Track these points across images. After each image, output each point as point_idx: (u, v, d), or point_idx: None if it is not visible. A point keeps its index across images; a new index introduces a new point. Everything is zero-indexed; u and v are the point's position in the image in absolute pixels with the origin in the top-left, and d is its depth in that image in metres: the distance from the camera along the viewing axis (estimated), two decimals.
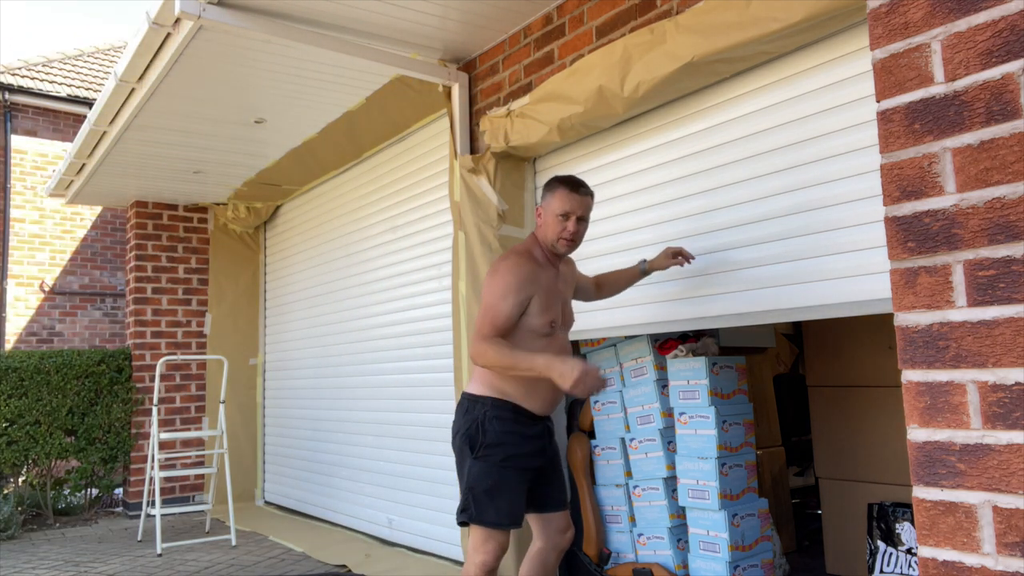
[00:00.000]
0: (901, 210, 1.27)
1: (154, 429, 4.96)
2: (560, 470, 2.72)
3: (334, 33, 3.51)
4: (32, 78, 8.68)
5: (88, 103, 8.57)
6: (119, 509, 6.39)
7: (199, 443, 6.24)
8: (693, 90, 2.91)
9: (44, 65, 9.17)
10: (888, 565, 3.02)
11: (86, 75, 9.35)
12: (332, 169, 5.50)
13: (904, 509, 3.03)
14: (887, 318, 3.09)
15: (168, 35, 3.46)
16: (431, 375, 4.38)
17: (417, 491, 4.48)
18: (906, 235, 1.26)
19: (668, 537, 3.22)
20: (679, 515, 3.24)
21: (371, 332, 5.03)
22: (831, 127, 2.47)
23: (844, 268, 2.41)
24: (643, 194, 3.16)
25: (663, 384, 3.32)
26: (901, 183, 1.27)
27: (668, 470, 3.26)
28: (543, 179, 3.65)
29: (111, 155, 5.04)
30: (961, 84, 1.21)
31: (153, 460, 4.89)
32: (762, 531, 3.15)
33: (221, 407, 5.27)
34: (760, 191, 2.69)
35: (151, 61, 3.72)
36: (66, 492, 6.06)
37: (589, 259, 3.35)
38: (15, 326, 8.37)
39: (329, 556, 4.46)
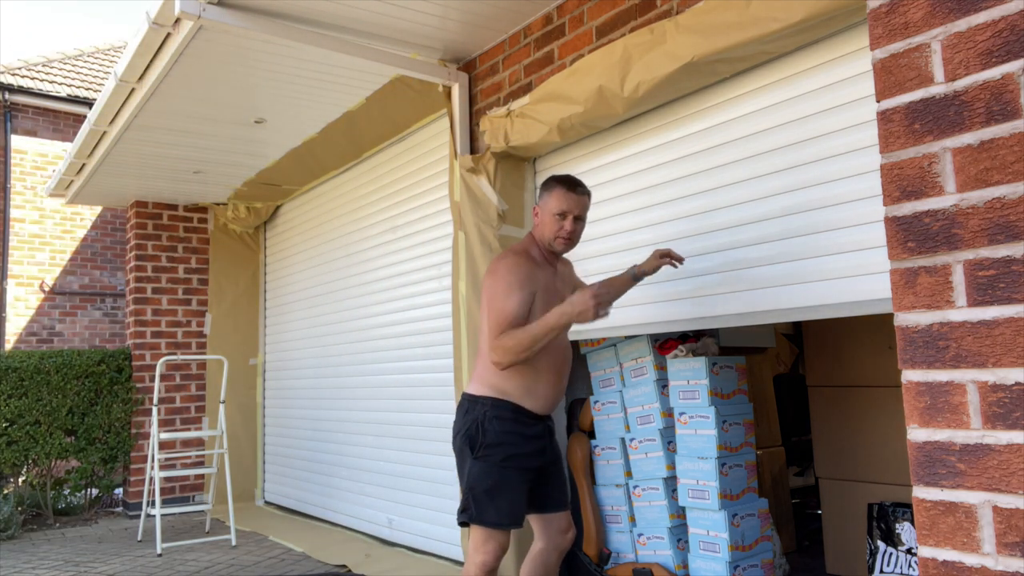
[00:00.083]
0: (901, 210, 1.27)
1: (154, 429, 4.97)
2: (561, 470, 2.72)
3: (334, 33, 3.51)
4: (32, 78, 8.68)
5: (88, 103, 8.57)
6: (119, 509, 6.39)
7: (199, 443, 6.24)
8: (693, 90, 2.91)
9: (44, 65, 9.18)
10: (888, 565, 3.02)
11: (86, 75, 9.35)
12: (332, 169, 5.50)
13: (904, 509, 3.03)
14: (887, 318, 3.09)
15: (168, 35, 3.46)
16: (431, 375, 4.38)
17: (417, 491, 4.48)
18: (906, 235, 1.26)
19: (668, 537, 3.22)
20: (679, 515, 3.24)
21: (371, 332, 5.03)
22: (831, 127, 2.47)
23: (844, 268, 2.41)
24: (643, 194, 3.16)
25: (663, 384, 3.32)
26: (901, 183, 1.27)
27: (668, 470, 3.26)
28: (543, 179, 3.64)
29: (111, 155, 5.04)
30: (961, 84, 1.21)
31: (153, 460, 4.89)
32: (762, 531, 3.15)
33: (221, 407, 5.27)
34: (760, 191, 2.69)
35: (151, 61, 3.72)
36: (66, 492, 6.06)
37: (589, 259, 3.35)
38: (15, 326, 8.37)
39: (329, 556, 4.46)
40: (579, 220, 2.55)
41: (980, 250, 1.17)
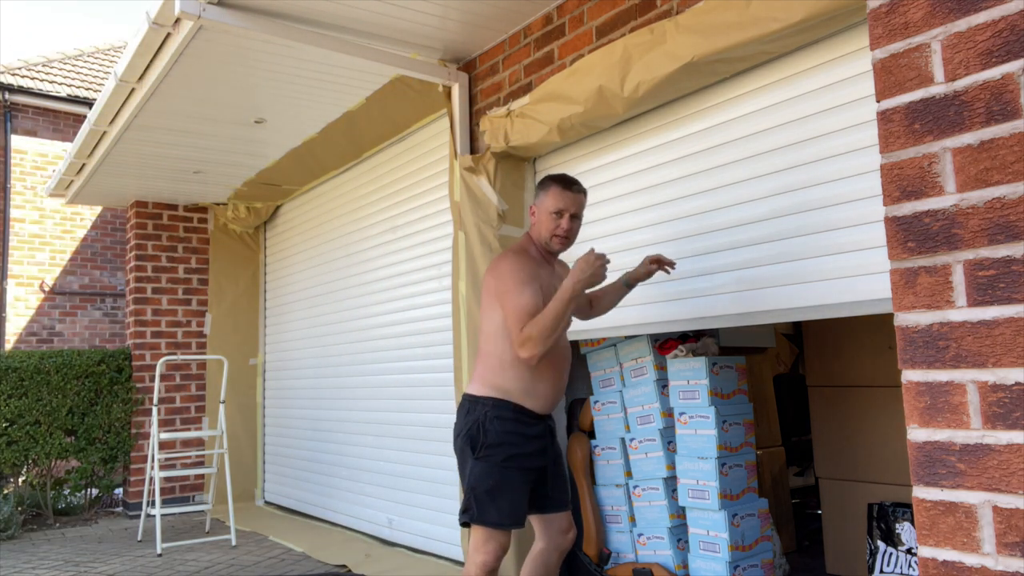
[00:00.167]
0: (901, 210, 1.27)
1: (154, 429, 4.97)
2: (562, 470, 2.71)
3: (334, 33, 3.51)
4: (32, 78, 8.68)
5: (88, 103, 8.57)
6: (119, 509, 6.39)
7: (199, 443, 6.24)
8: (693, 90, 2.91)
9: (44, 65, 9.18)
10: (888, 565, 3.02)
11: (86, 75, 9.35)
12: (332, 169, 5.50)
13: (904, 509, 3.03)
14: (887, 318, 3.09)
15: (168, 35, 3.46)
16: (431, 375, 4.38)
17: (417, 491, 4.48)
18: (906, 235, 1.26)
19: (668, 537, 3.22)
20: (679, 515, 3.24)
21: (371, 332, 5.03)
22: (831, 127, 2.47)
23: (844, 268, 2.41)
24: (643, 194, 3.16)
25: (663, 384, 3.32)
26: (901, 183, 1.27)
27: (668, 470, 3.26)
28: None
29: (111, 155, 5.04)
30: (961, 84, 1.21)
31: (153, 460, 4.89)
32: (762, 531, 3.15)
33: (221, 407, 5.27)
34: (760, 191, 2.69)
35: (151, 61, 3.72)
36: (66, 492, 6.06)
37: None
38: (15, 326, 8.37)
39: (329, 556, 4.46)
40: (575, 218, 2.55)
41: (980, 250, 1.17)
